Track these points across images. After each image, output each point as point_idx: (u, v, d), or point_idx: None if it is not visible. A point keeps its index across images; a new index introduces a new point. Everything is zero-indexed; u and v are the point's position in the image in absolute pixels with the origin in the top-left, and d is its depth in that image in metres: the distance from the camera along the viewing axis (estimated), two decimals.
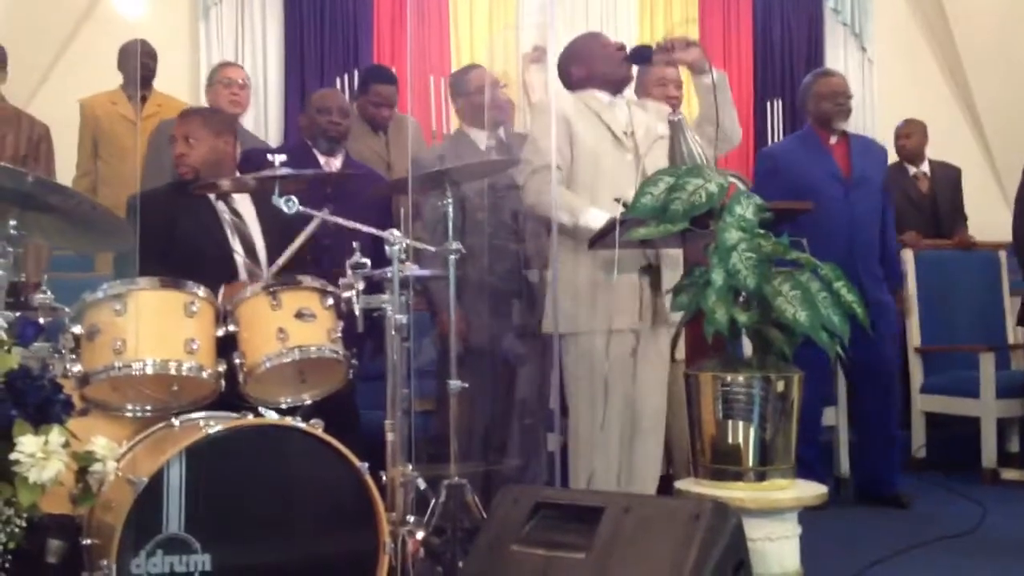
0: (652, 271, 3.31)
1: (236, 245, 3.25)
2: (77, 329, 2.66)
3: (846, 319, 2.70)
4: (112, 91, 4.94)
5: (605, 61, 3.40)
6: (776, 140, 6.20)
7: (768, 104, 6.40)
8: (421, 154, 4.15)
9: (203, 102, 4.79)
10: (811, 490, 2.72)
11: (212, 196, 3.26)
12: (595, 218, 3.17)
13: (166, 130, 4.31)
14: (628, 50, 3.42)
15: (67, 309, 2.67)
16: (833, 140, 4.31)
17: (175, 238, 3.18)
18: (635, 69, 3.56)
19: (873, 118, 6.57)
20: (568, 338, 3.31)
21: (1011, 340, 5.17)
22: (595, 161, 3.31)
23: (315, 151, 4.05)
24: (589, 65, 3.42)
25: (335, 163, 4.05)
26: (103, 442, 2.30)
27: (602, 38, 3.54)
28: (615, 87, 3.42)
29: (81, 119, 4.90)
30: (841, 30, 6.62)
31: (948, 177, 5.67)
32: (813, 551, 2.80)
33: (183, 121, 3.39)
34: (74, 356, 2.64)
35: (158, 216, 3.15)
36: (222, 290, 2.98)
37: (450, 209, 3.14)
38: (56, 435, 2.21)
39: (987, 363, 4.72)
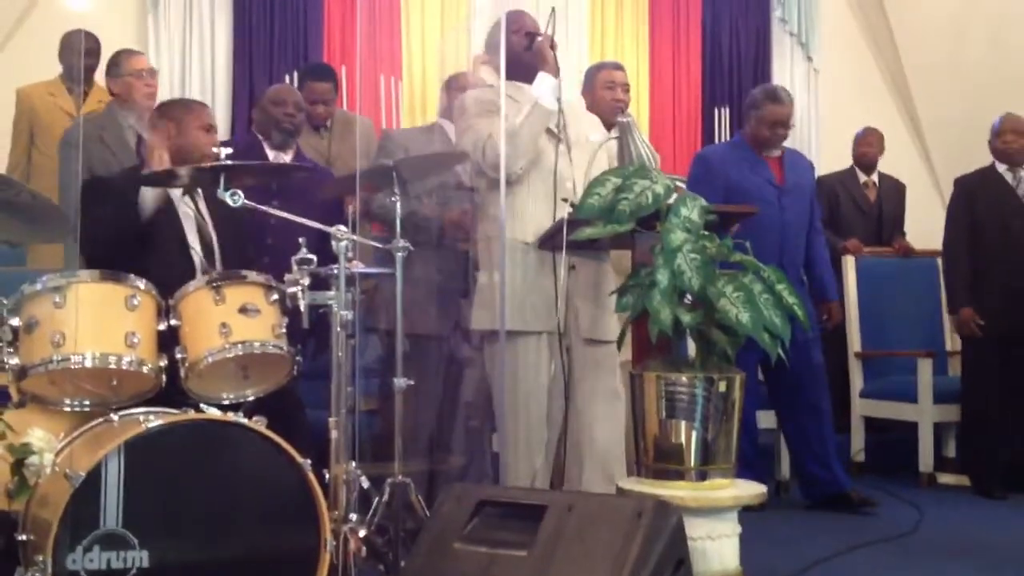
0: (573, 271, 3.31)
1: (194, 242, 3.18)
2: (15, 321, 2.61)
3: (787, 321, 2.73)
4: (50, 81, 4.75)
5: (513, 58, 3.36)
6: None
7: (716, 111, 6.47)
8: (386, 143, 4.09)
9: None
10: (750, 489, 2.75)
11: (175, 194, 3.17)
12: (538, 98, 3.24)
13: (98, 121, 4.20)
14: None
15: (4, 301, 2.62)
16: (765, 154, 4.32)
17: (135, 226, 3.08)
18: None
19: (818, 127, 6.67)
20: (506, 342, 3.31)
21: (948, 346, 5.27)
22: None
23: (265, 145, 4.01)
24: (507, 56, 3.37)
25: (285, 158, 4.01)
26: (40, 434, 2.25)
27: (511, 28, 3.42)
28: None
29: (17, 108, 4.73)
30: (788, 40, 6.70)
31: (895, 190, 5.80)
32: (753, 551, 2.84)
33: (203, 109, 3.35)
34: (12, 349, 2.60)
35: (116, 202, 3.07)
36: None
37: (398, 206, 3.13)
38: None
39: (925, 368, 4.81)
